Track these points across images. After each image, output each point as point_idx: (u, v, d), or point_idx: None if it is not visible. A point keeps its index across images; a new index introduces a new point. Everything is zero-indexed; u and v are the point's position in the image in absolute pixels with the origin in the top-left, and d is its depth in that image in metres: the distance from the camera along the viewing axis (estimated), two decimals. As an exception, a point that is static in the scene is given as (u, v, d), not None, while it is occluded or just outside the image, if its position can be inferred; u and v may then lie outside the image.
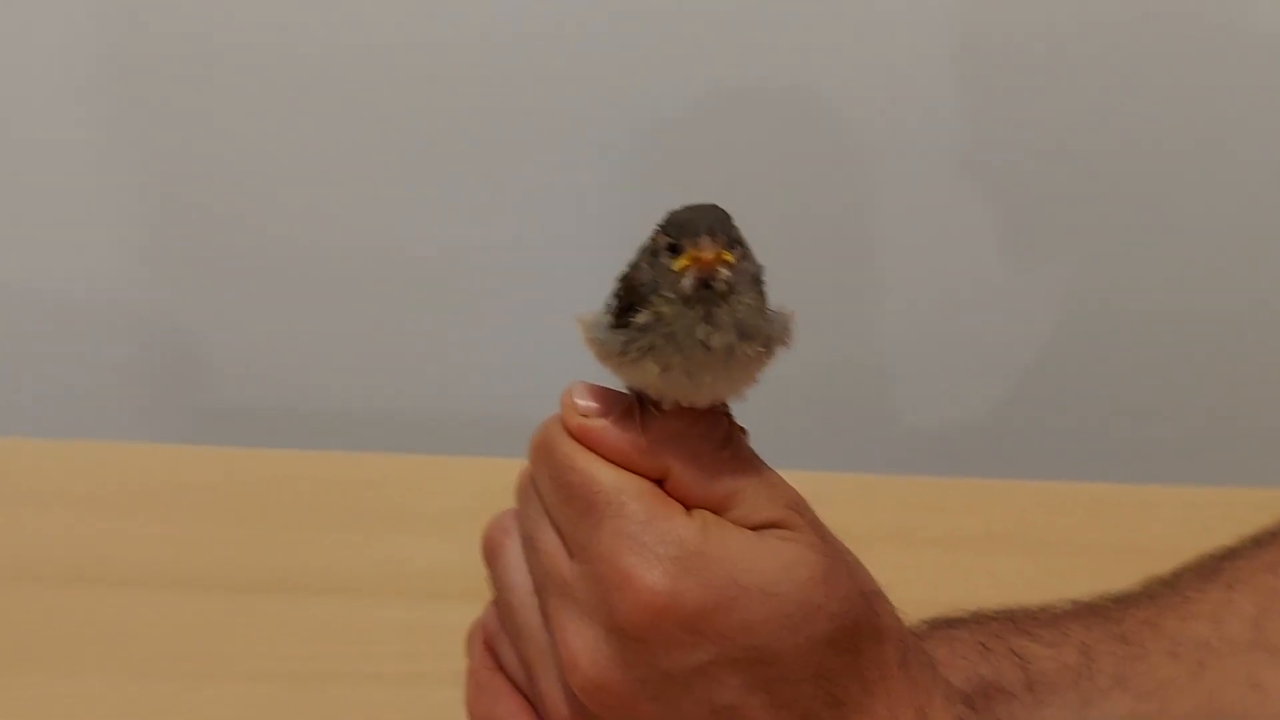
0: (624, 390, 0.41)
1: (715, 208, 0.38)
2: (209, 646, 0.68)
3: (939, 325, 1.16)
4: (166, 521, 0.81)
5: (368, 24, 1.04)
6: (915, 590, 0.72)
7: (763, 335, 0.39)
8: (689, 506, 0.40)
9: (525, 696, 0.44)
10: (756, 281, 0.39)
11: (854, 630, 0.39)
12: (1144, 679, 0.53)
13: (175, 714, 0.64)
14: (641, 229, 0.40)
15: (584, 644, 0.39)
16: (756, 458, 0.42)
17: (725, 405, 0.41)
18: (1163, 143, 1.07)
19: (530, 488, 0.43)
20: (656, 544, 0.38)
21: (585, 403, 0.41)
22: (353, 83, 1.07)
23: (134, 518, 0.81)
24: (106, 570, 0.75)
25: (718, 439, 0.40)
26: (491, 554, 0.44)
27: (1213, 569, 0.57)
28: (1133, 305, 1.15)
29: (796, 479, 0.85)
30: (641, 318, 0.38)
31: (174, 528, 0.80)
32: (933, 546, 0.81)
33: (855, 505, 0.83)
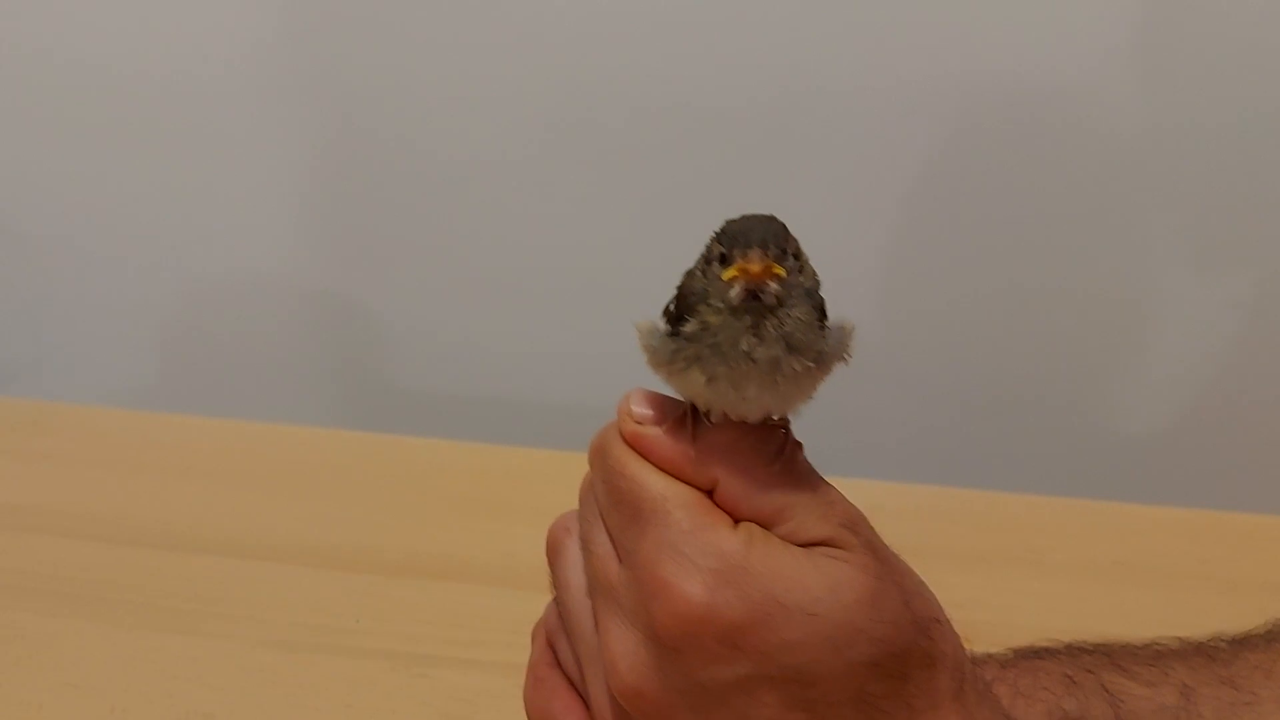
0: (681, 400, 0.41)
1: (771, 219, 0.38)
2: (326, 621, 0.72)
3: (1105, 337, 1.10)
4: (312, 501, 0.87)
5: (550, 24, 1.07)
6: (1036, 617, 0.71)
7: (813, 350, 0.38)
8: (738, 519, 0.39)
9: (579, 695, 0.44)
10: (810, 295, 0.38)
11: (902, 656, 0.38)
12: (1251, 728, 0.50)
13: (280, 684, 0.67)
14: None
15: (624, 649, 0.39)
16: (813, 473, 0.41)
17: (783, 419, 0.41)
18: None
19: (590, 491, 0.43)
20: (698, 554, 0.38)
21: (641, 409, 0.41)
22: (534, 84, 1.10)
23: (285, 496, 0.87)
24: (249, 543, 0.81)
25: (769, 452, 0.40)
26: (553, 552, 0.45)
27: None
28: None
29: (914, 491, 0.84)
30: (689, 327, 0.38)
31: (318, 507, 0.85)
32: (1062, 572, 0.77)
33: (983, 523, 0.81)
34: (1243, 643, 0.53)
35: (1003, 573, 0.77)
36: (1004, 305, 1.09)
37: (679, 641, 0.37)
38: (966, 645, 0.43)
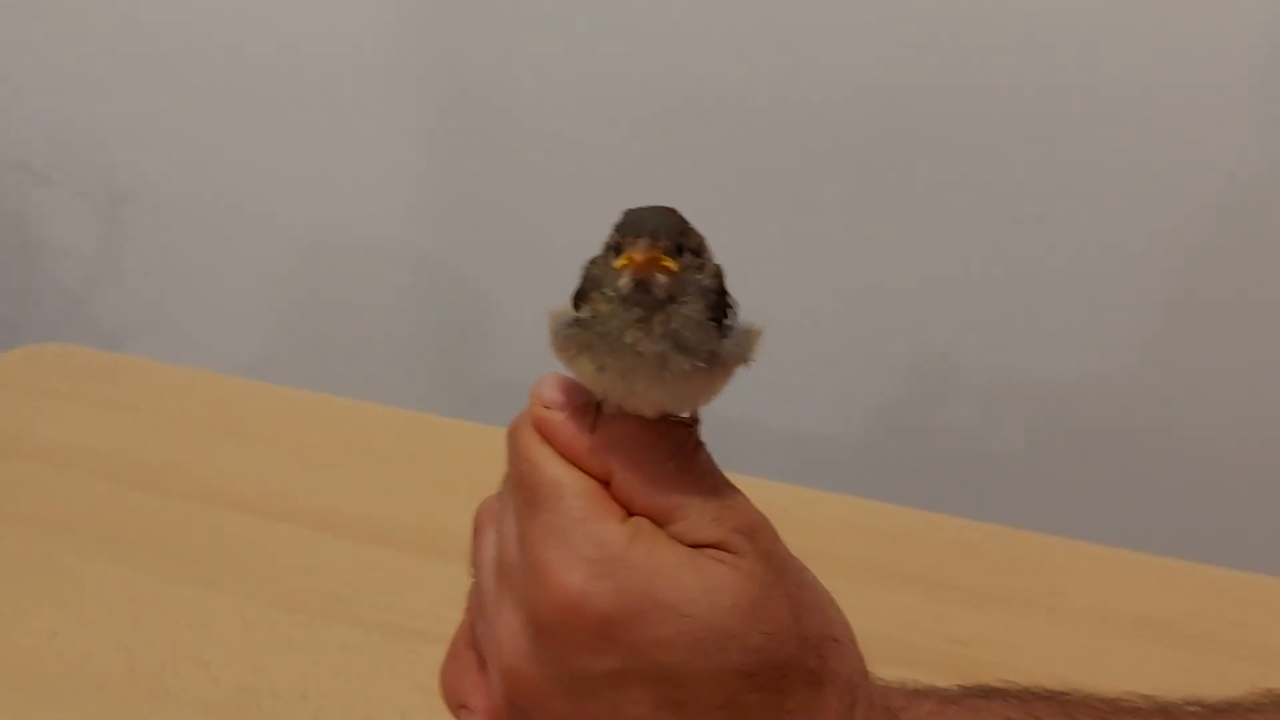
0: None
1: (669, 210, 0.37)
2: (333, 588, 0.74)
3: (1164, 382, 1.05)
4: (360, 475, 0.89)
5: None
6: (1042, 663, 0.68)
7: (704, 350, 0.37)
8: (632, 514, 0.39)
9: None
10: (705, 294, 0.38)
11: (781, 669, 0.37)
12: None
13: (275, 642, 0.69)
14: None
15: (510, 630, 0.39)
16: (715, 475, 0.40)
17: (692, 417, 0.40)
18: None
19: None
20: (581, 543, 0.37)
21: (550, 394, 0.41)
22: (641, 75, 1.11)
23: (336, 468, 0.90)
24: (281, 507, 0.84)
25: (667, 449, 0.39)
26: (475, 530, 0.46)
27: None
28: None
29: (934, 520, 0.81)
30: (583, 312, 0.38)
31: (363, 481, 0.88)
32: (1080, 620, 0.74)
33: (1002, 561, 0.78)
34: (1222, 710, 0.50)
35: (1017, 613, 0.74)
36: (1067, 346, 1.05)
37: (554, 628, 0.37)
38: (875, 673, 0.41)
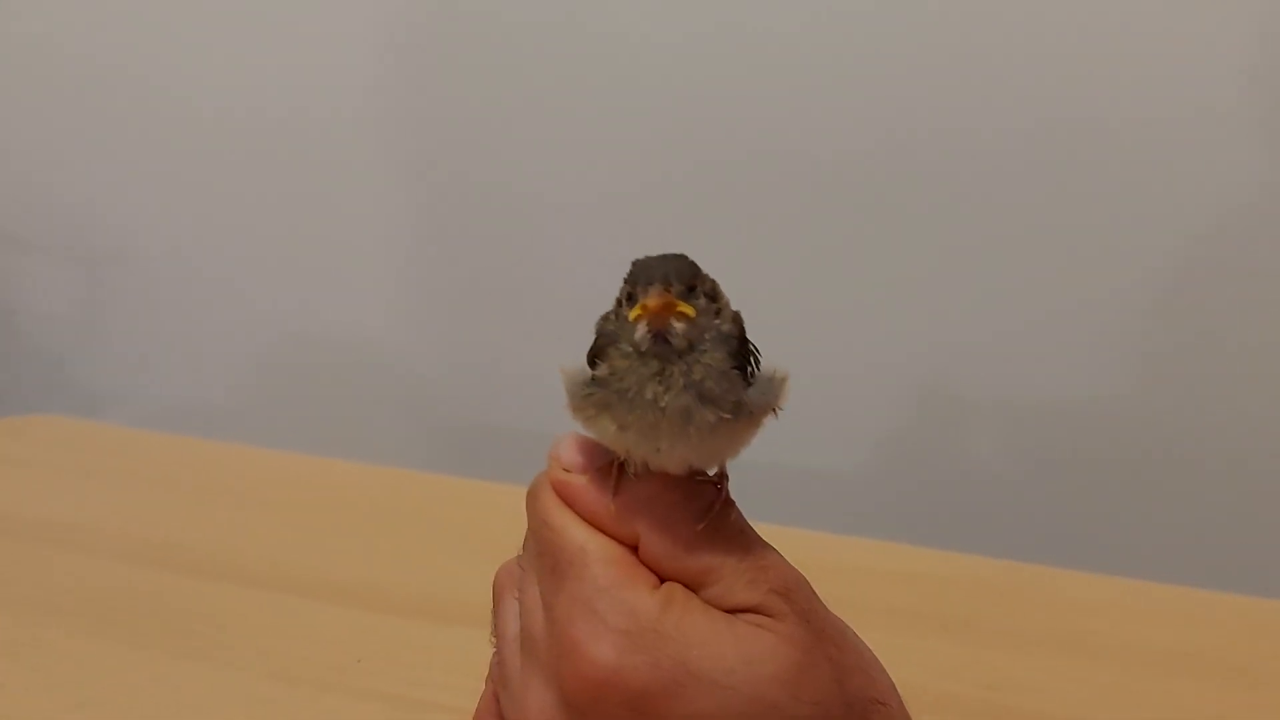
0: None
1: (679, 257, 0.36)
2: (332, 658, 0.71)
3: (1179, 410, 1.04)
4: (342, 536, 0.87)
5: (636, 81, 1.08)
6: (1074, 707, 0.65)
7: (728, 400, 0.35)
8: (663, 579, 0.37)
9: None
10: (727, 340, 0.36)
11: (827, 739, 0.35)
12: None
13: (278, 718, 0.66)
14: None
15: (539, 708, 0.37)
16: (748, 533, 0.38)
17: (719, 473, 0.38)
18: None
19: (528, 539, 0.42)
20: (610, 613, 0.35)
21: (569, 456, 0.39)
22: (603, 128, 1.11)
23: (316, 530, 0.88)
24: (272, 574, 0.81)
25: (696, 509, 0.37)
26: (495, 599, 0.43)
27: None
28: None
29: (961, 561, 0.79)
30: (600, 371, 0.36)
31: (346, 543, 0.86)
32: (1108, 657, 0.72)
33: (1029, 599, 0.76)
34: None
35: (1048, 654, 0.71)
36: (1083, 376, 1.04)
37: (587, 705, 0.35)
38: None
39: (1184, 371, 1.03)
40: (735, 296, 0.39)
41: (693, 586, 0.37)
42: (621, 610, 0.35)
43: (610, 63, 1.08)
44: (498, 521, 0.86)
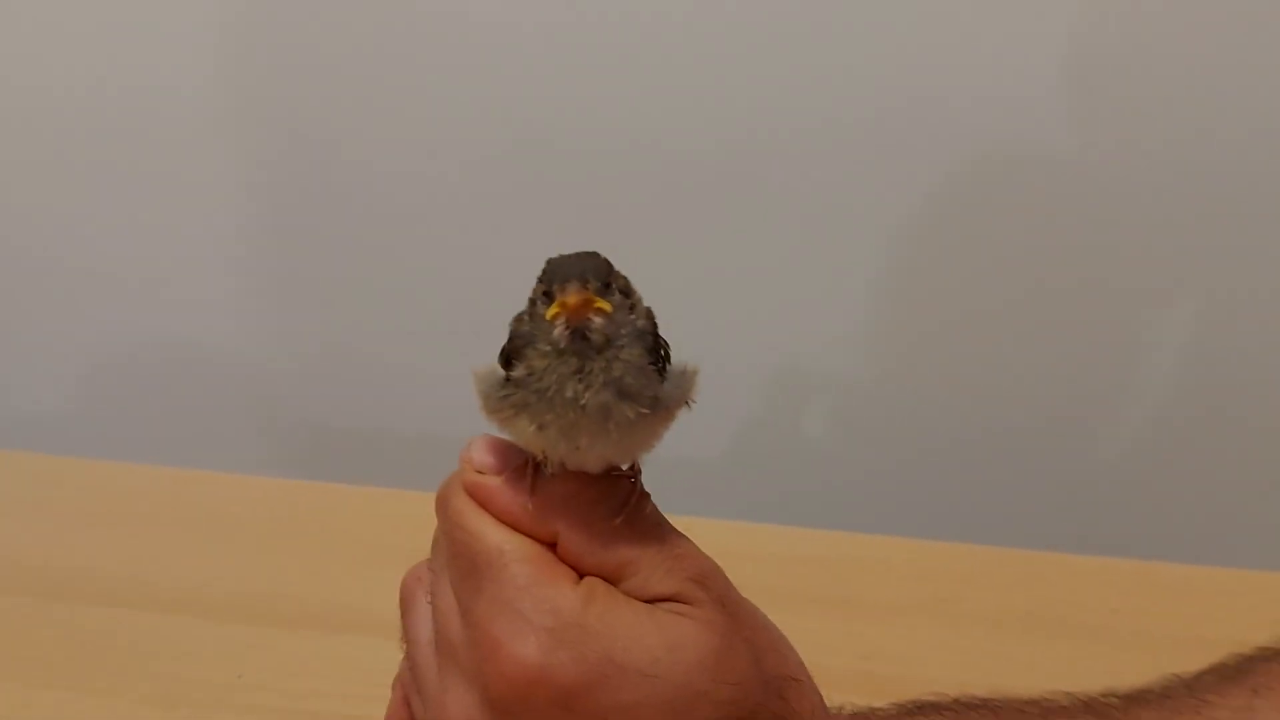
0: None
1: (594, 254, 0.37)
2: (210, 676, 0.69)
3: (1031, 383, 1.10)
4: (216, 549, 0.84)
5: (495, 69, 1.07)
6: (945, 670, 0.69)
7: (646, 395, 0.36)
8: (582, 575, 0.38)
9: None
10: (642, 336, 0.37)
11: (747, 719, 0.36)
12: (1142, 789, 0.48)
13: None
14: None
15: (461, 710, 0.37)
16: (662, 525, 0.39)
17: (631, 468, 0.39)
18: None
19: (439, 540, 0.41)
20: (532, 611, 0.36)
21: (481, 458, 0.39)
22: (453, 124, 1.09)
23: (193, 544, 0.84)
24: (150, 592, 0.78)
25: (613, 505, 0.38)
26: (404, 603, 0.43)
27: (1239, 670, 0.52)
28: (1256, 368, 1.06)
29: (832, 538, 0.83)
30: (517, 371, 0.37)
31: (222, 555, 0.83)
32: (973, 623, 0.76)
33: (896, 571, 0.80)
34: (1135, 699, 0.52)
35: (914, 623, 0.75)
36: (931, 348, 1.09)
37: (512, 705, 0.35)
38: (844, 701, 0.41)
39: (1009, 352, 1.09)
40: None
41: (611, 580, 0.38)
42: (544, 608, 0.36)
43: (462, 55, 1.07)
44: (364, 525, 0.87)
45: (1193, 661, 0.54)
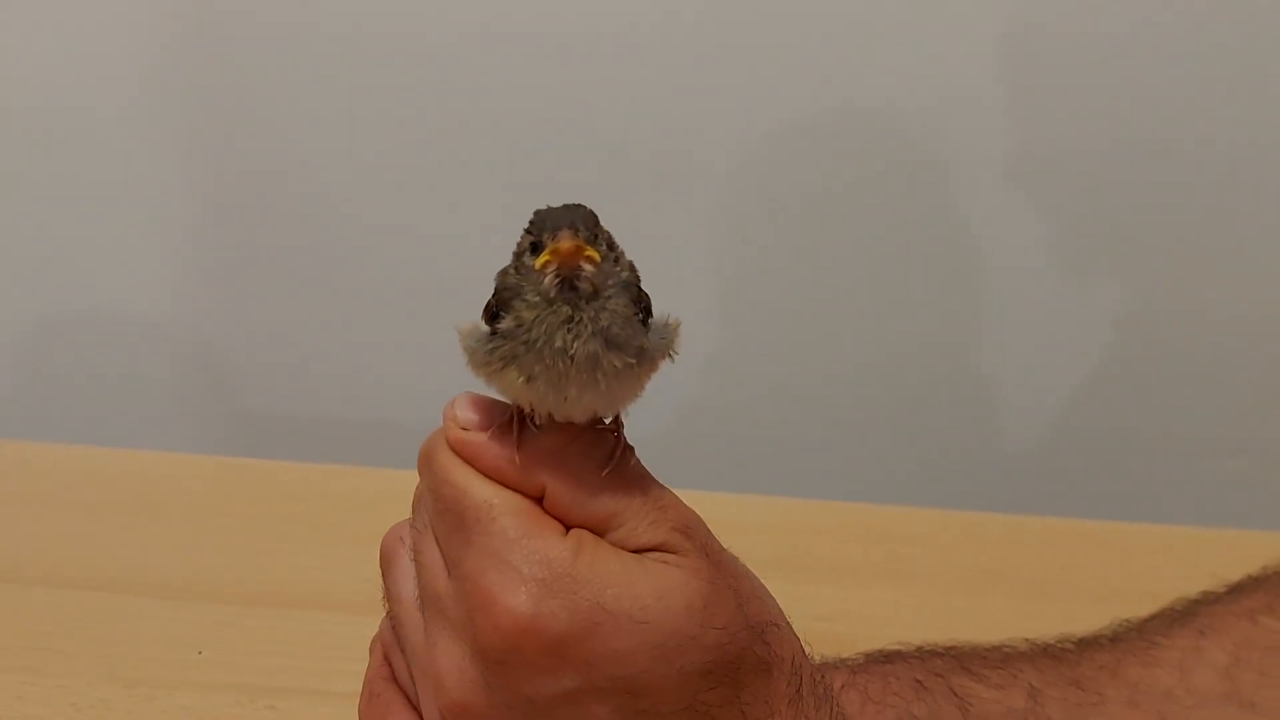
0: (508, 403, 0.40)
1: (580, 206, 0.37)
2: (169, 654, 0.68)
3: (973, 348, 1.12)
4: (160, 528, 0.83)
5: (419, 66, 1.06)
6: (900, 628, 0.71)
7: (633, 345, 0.37)
8: (569, 526, 0.38)
9: (416, 710, 0.42)
10: (628, 288, 0.37)
11: (734, 663, 0.37)
12: (1097, 728, 0.50)
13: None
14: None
15: (451, 664, 0.38)
16: (646, 477, 0.40)
17: (614, 420, 0.40)
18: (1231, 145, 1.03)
19: (421, 499, 0.42)
20: (523, 563, 0.36)
21: (465, 414, 0.39)
22: (390, 104, 1.08)
23: (131, 524, 0.83)
24: (100, 574, 0.77)
25: (599, 457, 0.39)
26: (385, 563, 0.43)
27: (1185, 613, 0.54)
28: (1184, 334, 1.10)
29: (785, 505, 0.84)
30: (505, 324, 0.37)
31: (172, 535, 0.82)
32: (926, 582, 0.78)
33: (850, 535, 0.81)
34: (1088, 643, 0.54)
35: (867, 584, 0.77)
36: (870, 318, 1.11)
37: (503, 655, 0.36)
38: (812, 651, 0.42)
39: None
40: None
41: (598, 531, 0.38)
42: (534, 559, 0.36)
43: (410, 44, 1.06)
44: (317, 503, 0.86)
45: (1138, 612, 0.56)
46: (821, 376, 1.14)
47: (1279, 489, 1.11)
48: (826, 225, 1.09)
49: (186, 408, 1.27)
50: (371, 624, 0.68)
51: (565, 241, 0.35)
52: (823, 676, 0.42)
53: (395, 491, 0.84)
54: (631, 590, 0.36)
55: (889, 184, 1.08)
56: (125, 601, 0.74)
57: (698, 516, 0.40)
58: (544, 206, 0.37)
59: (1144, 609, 0.57)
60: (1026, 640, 0.54)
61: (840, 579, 0.77)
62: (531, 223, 0.37)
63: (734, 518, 0.82)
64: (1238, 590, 0.55)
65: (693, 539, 0.39)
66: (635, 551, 0.38)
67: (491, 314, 0.38)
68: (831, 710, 0.40)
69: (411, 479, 0.85)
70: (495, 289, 0.38)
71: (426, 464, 0.40)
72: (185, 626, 0.71)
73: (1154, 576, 0.76)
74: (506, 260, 0.39)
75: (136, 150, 1.14)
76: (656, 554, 0.38)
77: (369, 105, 1.09)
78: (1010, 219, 1.07)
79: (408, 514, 0.66)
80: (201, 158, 1.14)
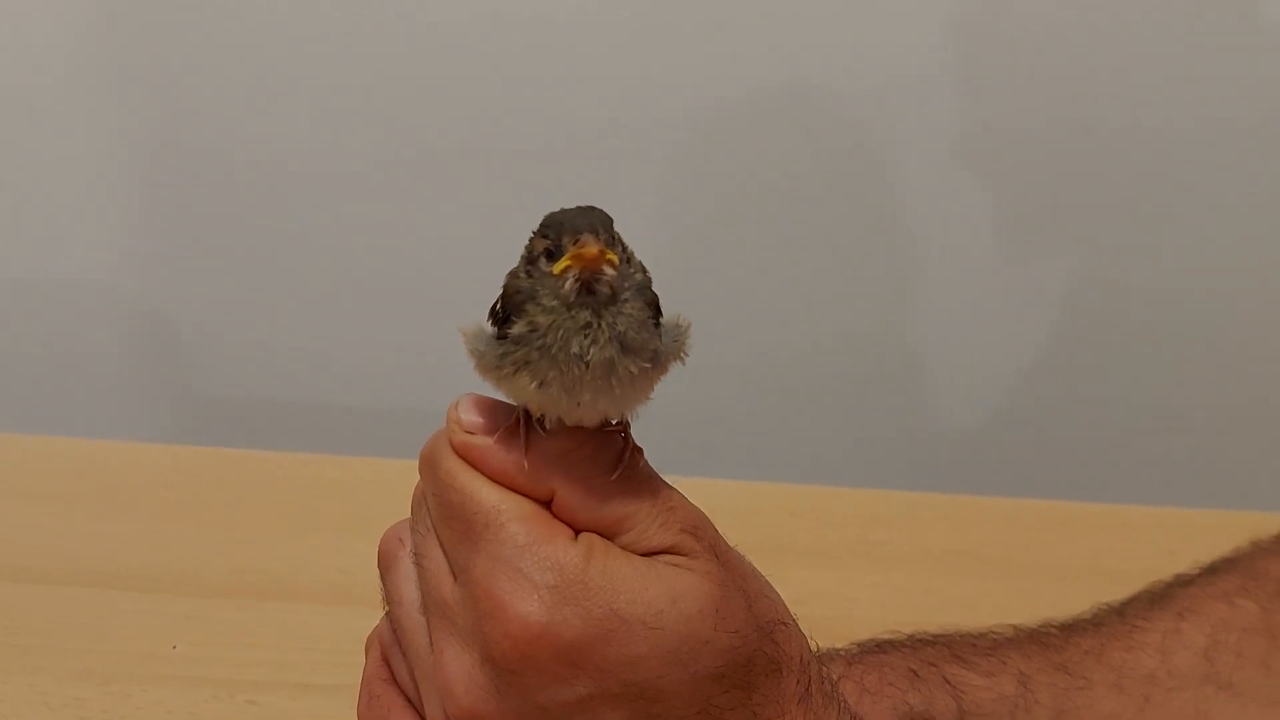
0: (513, 405, 0.39)
1: (596, 209, 0.36)
2: (144, 648, 0.67)
3: (928, 328, 1.13)
4: (128, 520, 0.81)
5: (368, 26, 1.04)
6: (877, 610, 0.72)
7: (648, 349, 0.36)
8: (577, 530, 0.38)
9: (416, 712, 0.42)
10: (643, 291, 0.37)
11: (747, 665, 0.37)
12: (1085, 713, 0.51)
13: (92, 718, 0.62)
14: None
15: (460, 671, 0.37)
16: (654, 478, 0.40)
17: (621, 422, 0.39)
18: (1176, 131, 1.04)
19: (422, 500, 0.41)
20: (534, 570, 0.36)
21: (470, 418, 0.39)
22: (349, 82, 1.06)
23: (97, 516, 0.81)
24: (64, 568, 0.75)
25: (608, 460, 0.38)
26: (385, 564, 0.43)
27: (1163, 596, 0.55)
28: (1133, 311, 1.12)
29: (762, 490, 0.84)
30: (517, 328, 0.36)
31: (138, 527, 0.80)
32: (899, 564, 0.79)
33: (824, 518, 0.82)
34: (1072, 628, 0.55)
35: (843, 567, 0.78)
36: (833, 302, 1.11)
37: (516, 663, 0.36)
38: (811, 643, 0.42)
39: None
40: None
41: (607, 535, 0.38)
42: (545, 566, 0.36)
43: (357, 6, 1.04)
44: (283, 491, 0.84)
45: (1105, 592, 0.58)
46: (770, 358, 1.15)
47: (1228, 465, 1.14)
48: (775, 206, 1.09)
49: (140, 391, 1.25)
50: (346, 615, 0.68)
51: (590, 247, 0.35)
52: (828, 672, 0.42)
53: (366, 479, 0.84)
54: (644, 595, 0.36)
55: (836, 163, 1.08)
56: (93, 595, 0.72)
57: (705, 516, 0.40)
58: (557, 209, 0.36)
59: (1109, 587, 0.58)
60: (1013, 626, 0.55)
61: (815, 562, 0.78)
62: (546, 226, 0.36)
63: (704, 503, 0.83)
64: (1212, 572, 0.56)
65: (701, 540, 0.39)
66: (645, 554, 0.38)
67: (499, 317, 0.37)
68: (839, 707, 0.40)
69: (384, 466, 0.85)
70: (504, 291, 0.38)
71: (430, 467, 0.39)
72: (157, 620, 0.70)
73: (1114, 556, 0.79)
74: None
75: (76, 115, 1.10)
76: (667, 557, 0.38)
77: (321, 69, 1.06)
78: (958, 198, 1.08)
79: (378, 502, 0.66)
80: (150, 124, 1.10)
